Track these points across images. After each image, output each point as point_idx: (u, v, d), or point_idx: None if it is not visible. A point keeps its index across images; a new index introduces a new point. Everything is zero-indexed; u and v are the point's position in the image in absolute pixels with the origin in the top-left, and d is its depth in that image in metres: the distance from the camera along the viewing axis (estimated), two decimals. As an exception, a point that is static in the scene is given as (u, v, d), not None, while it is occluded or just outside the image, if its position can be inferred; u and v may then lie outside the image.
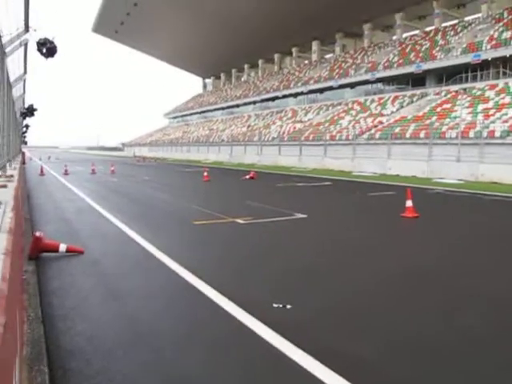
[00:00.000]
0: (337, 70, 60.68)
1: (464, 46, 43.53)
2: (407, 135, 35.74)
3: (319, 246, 8.31)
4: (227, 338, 4.15)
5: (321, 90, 62.13)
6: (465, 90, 40.81)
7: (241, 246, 8.25)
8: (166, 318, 4.64)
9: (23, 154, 40.60)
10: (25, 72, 13.49)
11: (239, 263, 6.95)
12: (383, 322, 4.53)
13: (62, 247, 7.32)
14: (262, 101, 75.05)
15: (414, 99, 45.75)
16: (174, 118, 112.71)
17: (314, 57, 72.76)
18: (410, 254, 7.68)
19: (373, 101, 51.27)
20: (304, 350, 3.79)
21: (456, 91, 41.38)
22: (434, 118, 36.67)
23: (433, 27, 55.17)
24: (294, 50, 77.81)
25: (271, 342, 3.95)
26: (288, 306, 4.79)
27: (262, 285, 5.75)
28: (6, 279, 1.68)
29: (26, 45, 8.81)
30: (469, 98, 38.09)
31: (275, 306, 4.81)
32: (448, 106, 38.87)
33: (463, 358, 3.79)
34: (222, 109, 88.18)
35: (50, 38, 8.46)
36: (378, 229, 10.26)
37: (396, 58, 51.42)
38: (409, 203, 11.46)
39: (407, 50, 51.92)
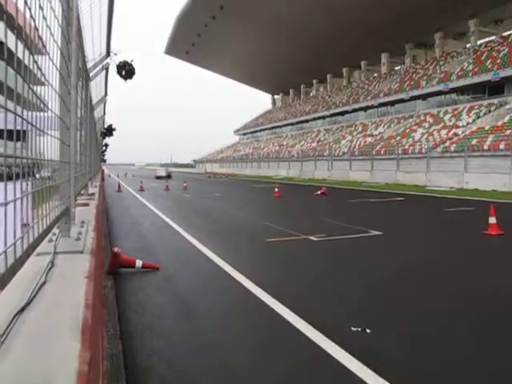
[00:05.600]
0: (407, 82, 59.26)
1: (548, 49, 41.17)
2: (485, 147, 34.15)
3: (398, 265, 7.95)
4: (304, 363, 4.01)
5: (391, 103, 60.82)
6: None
7: (315, 265, 8.07)
8: (240, 339, 4.58)
9: (102, 171, 42.53)
10: (105, 94, 14.14)
11: (315, 283, 6.78)
12: (469, 356, 4.21)
13: (139, 263, 7.49)
14: (332, 115, 74.54)
15: (492, 109, 43.72)
16: (244, 134, 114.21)
17: (384, 69, 71.55)
18: (500, 276, 7.15)
19: (446, 112, 49.54)
20: (387, 380, 3.59)
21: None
22: (515, 128, 34.83)
23: (511, 31, 52.68)
24: (362, 63, 76.94)
25: (350, 368, 3.78)
26: (368, 330, 4.58)
27: (339, 306, 5.57)
28: (90, 306, 1.67)
29: (107, 68, 9.21)
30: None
31: (354, 329, 4.61)
32: (530, 114, 36.83)
33: None
34: (292, 124, 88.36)
35: (129, 61, 8.82)
36: (459, 247, 9.68)
37: (471, 67, 49.47)
38: (492, 220, 10.82)
39: (483, 58, 49.81)
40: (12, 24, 1.21)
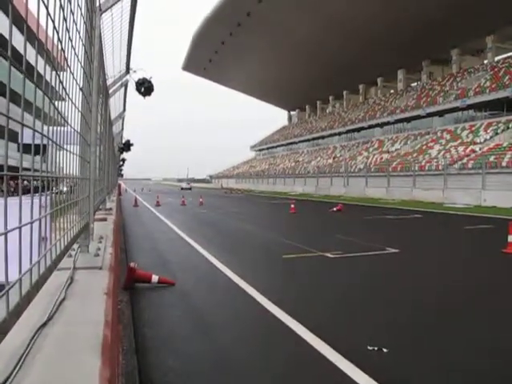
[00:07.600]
0: (424, 99, 59.13)
1: None
2: (503, 164, 33.81)
3: (417, 285, 7.80)
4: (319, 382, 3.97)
5: (408, 120, 60.66)
6: None
7: (332, 283, 7.98)
8: (256, 357, 4.54)
9: (119, 186, 42.91)
10: (124, 110, 14.32)
11: (332, 301, 6.70)
12: None
13: (155, 279, 7.49)
14: (348, 132, 74.56)
15: (510, 125, 43.30)
16: (260, 150, 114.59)
17: (400, 86, 71.47)
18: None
19: (464, 129, 49.23)
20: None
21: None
22: (534, 145, 34.50)
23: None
24: (379, 79, 76.98)
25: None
26: (384, 350, 4.51)
27: (356, 325, 5.50)
28: (109, 323, 1.68)
29: (126, 85, 9.34)
30: None
31: (370, 348, 4.55)
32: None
33: None
34: (308, 140, 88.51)
35: (148, 78, 8.91)
36: (479, 267, 9.45)
37: (488, 83, 49.19)
38: (511, 238, 10.65)
39: (500, 74, 49.51)
40: (42, 48, 1.25)
